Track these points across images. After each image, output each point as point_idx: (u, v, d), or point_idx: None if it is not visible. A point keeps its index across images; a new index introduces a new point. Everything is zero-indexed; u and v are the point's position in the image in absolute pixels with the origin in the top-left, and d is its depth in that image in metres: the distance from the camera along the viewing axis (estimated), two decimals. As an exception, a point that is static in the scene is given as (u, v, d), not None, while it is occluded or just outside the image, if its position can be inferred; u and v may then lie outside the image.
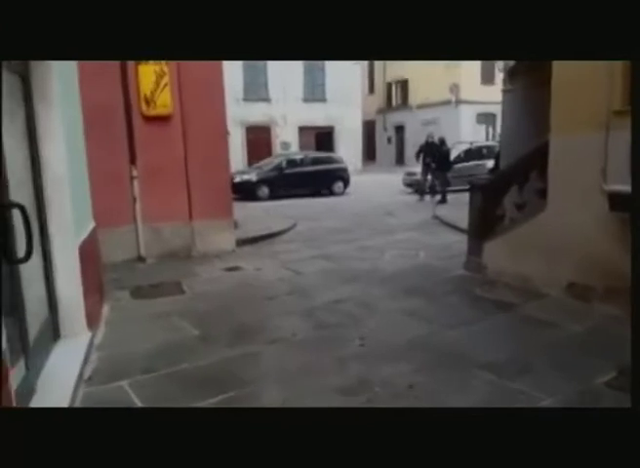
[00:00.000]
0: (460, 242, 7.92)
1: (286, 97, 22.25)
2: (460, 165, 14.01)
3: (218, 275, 6.54)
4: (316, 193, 15.55)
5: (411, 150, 28.25)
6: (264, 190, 14.95)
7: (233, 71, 18.58)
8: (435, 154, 12.79)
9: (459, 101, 24.78)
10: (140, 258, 7.28)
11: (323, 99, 23.13)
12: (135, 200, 7.28)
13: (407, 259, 7.06)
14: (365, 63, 27.70)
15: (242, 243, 8.27)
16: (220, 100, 7.77)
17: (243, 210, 11.52)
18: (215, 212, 7.81)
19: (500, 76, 21.02)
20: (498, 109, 26.27)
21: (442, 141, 12.67)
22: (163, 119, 7.34)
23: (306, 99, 22.80)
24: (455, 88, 24.38)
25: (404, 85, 28.42)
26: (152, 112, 7.20)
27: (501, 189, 5.86)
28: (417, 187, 14.36)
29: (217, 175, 7.74)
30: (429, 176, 13.15)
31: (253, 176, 15.05)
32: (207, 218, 7.72)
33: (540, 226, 5.15)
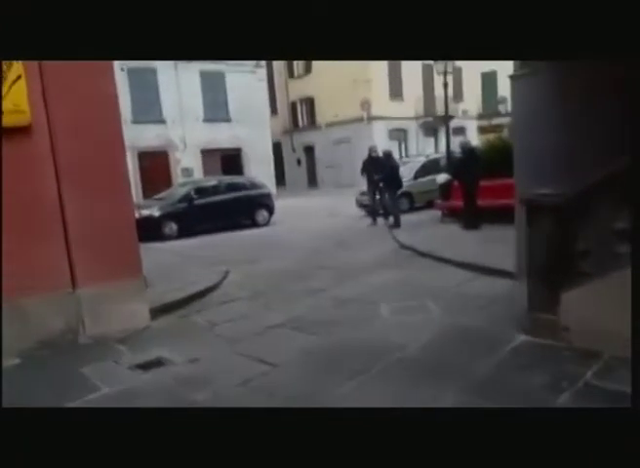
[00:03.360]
0: (469, 281, 5.87)
1: (184, 118, 19.35)
2: (417, 180, 12.14)
3: (127, 383, 3.79)
4: (236, 226, 12.89)
5: (324, 172, 26.55)
6: (172, 227, 12.00)
7: (118, 88, 15.53)
8: (381, 170, 10.83)
9: (371, 118, 23.51)
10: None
11: (227, 119, 20.54)
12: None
13: (418, 318, 4.78)
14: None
15: (158, 312, 5.52)
16: (113, 112, 5.14)
17: (147, 255, 8.59)
18: (114, 269, 5.03)
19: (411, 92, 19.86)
20: (408, 125, 25.61)
21: (388, 155, 10.75)
22: (16, 132, 4.52)
23: (208, 119, 20.05)
24: (366, 103, 23.10)
25: (310, 103, 26.74)
26: (-6, 117, 4.36)
27: (584, 211, 3.81)
28: (368, 210, 12.28)
29: (113, 213, 4.99)
30: (377, 196, 11.15)
31: (155, 211, 12.05)
32: (101, 281, 4.92)
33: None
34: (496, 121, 30.80)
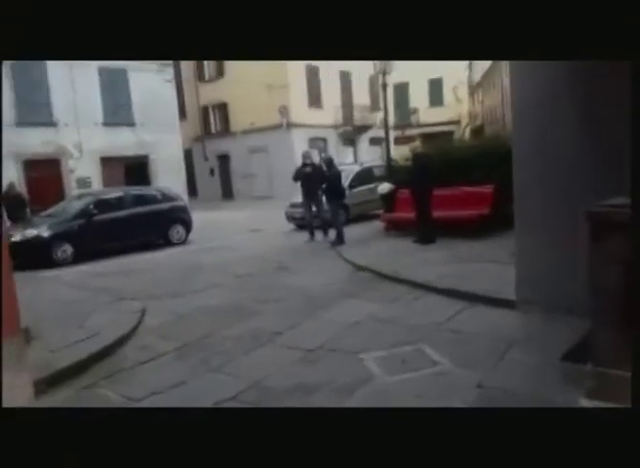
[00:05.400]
0: (458, 313, 4.78)
1: (79, 121, 16.76)
2: (352, 191, 10.93)
3: None
4: (147, 245, 10.94)
5: (240, 182, 24.85)
6: (65, 249, 9.81)
7: (-4, 83, 12.92)
8: (319, 179, 9.56)
9: (290, 125, 22.27)
10: None
11: (131, 123, 18.16)
12: None
13: (425, 377, 3.51)
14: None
15: (49, 383, 3.77)
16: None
17: (31, 289, 6.61)
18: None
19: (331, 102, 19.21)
20: (328, 133, 24.70)
21: (329, 162, 9.47)
22: None
23: (108, 123, 17.56)
24: (284, 110, 21.84)
25: (223, 109, 24.93)
26: None
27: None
28: (302, 223, 10.93)
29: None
30: (314, 208, 9.84)
31: (43, 230, 9.80)
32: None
33: None
34: (408, 132, 31.09)
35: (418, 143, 8.62)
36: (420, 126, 32.39)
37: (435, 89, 34.00)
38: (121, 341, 4.77)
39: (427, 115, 33.12)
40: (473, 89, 39.84)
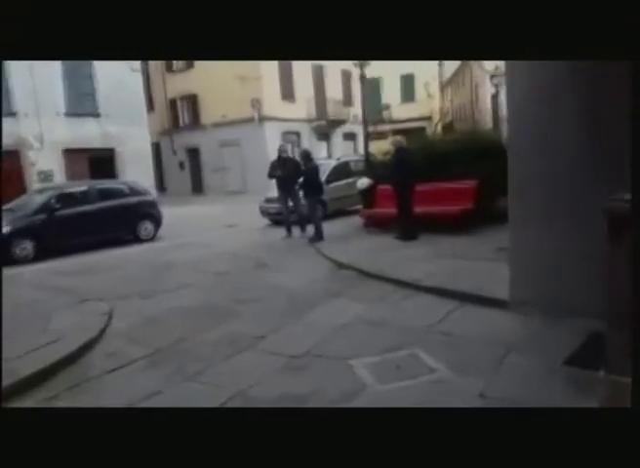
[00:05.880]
0: (450, 313, 4.59)
1: (40, 110, 15.88)
2: (329, 186, 10.61)
3: None
4: (114, 241, 10.40)
5: (210, 176, 24.24)
6: (26, 246, 9.20)
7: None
8: (296, 173, 9.24)
9: (262, 118, 21.79)
10: None
11: (96, 114, 17.35)
12: None
13: (422, 385, 3.26)
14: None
15: (11, 393, 3.38)
16: None
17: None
18: None
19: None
20: (302, 127, 24.31)
21: (307, 155, 9.12)
22: None
23: (72, 113, 16.73)
24: (257, 103, 21.35)
25: (193, 101, 24.23)
26: None
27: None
28: (278, 219, 10.60)
29: None
30: (290, 203, 9.50)
31: (1, 226, 9.17)
32: None
33: None
34: (381, 128, 30.97)
35: (400, 137, 8.34)
36: (392, 122, 32.29)
37: (407, 85, 33.96)
38: (87, 347, 4.37)
39: (399, 111, 33.05)
40: (443, 86, 40.07)
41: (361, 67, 9.98)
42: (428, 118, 34.71)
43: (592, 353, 3.42)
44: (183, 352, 4.17)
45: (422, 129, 30.27)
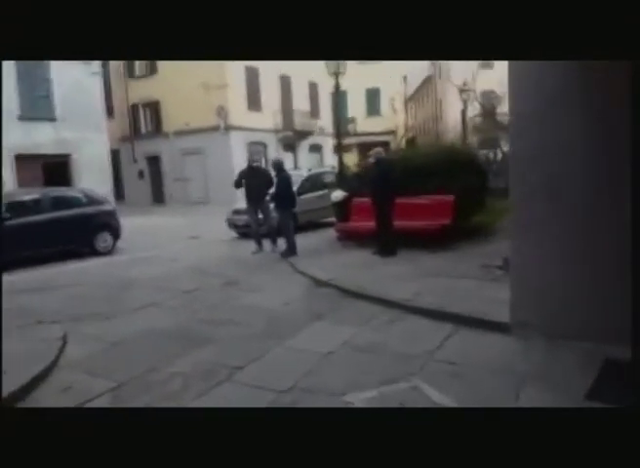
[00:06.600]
0: (447, 338, 4.21)
1: (-11, 113, 14.86)
2: (300, 197, 10.14)
3: None
4: (68, 255, 9.64)
5: (172, 186, 23.42)
6: (-31, 259, 8.36)
7: None
8: (266, 184, 8.81)
9: (228, 127, 21.23)
10: None
11: (51, 118, 16.35)
12: None
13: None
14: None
15: None
16: None
17: None
18: None
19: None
20: (268, 138, 23.86)
21: (279, 166, 8.65)
22: None
23: (25, 117, 15.73)
24: (222, 111, 20.80)
25: (155, 107, 23.42)
26: None
27: None
28: (246, 231, 10.08)
29: None
30: (260, 216, 9.02)
31: (-59, 236, 8.30)
32: None
33: None
34: (346, 141, 30.91)
35: (380, 149, 8.03)
36: (357, 135, 32.32)
37: (372, 98, 34.15)
38: (37, 380, 3.77)
39: (364, 124, 33.16)
40: (407, 100, 40.56)
41: (336, 77, 9.67)
42: (393, 132, 34.96)
43: (614, 384, 3.14)
44: (152, 387, 3.64)
45: (387, 143, 30.37)
